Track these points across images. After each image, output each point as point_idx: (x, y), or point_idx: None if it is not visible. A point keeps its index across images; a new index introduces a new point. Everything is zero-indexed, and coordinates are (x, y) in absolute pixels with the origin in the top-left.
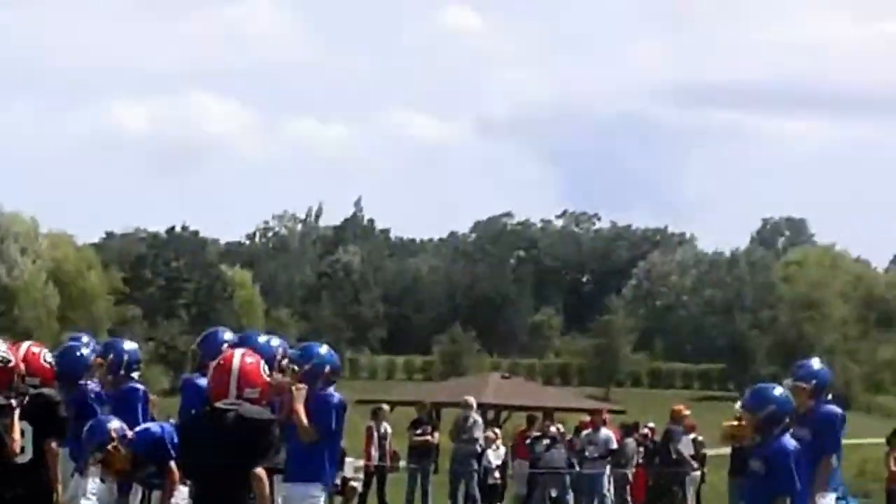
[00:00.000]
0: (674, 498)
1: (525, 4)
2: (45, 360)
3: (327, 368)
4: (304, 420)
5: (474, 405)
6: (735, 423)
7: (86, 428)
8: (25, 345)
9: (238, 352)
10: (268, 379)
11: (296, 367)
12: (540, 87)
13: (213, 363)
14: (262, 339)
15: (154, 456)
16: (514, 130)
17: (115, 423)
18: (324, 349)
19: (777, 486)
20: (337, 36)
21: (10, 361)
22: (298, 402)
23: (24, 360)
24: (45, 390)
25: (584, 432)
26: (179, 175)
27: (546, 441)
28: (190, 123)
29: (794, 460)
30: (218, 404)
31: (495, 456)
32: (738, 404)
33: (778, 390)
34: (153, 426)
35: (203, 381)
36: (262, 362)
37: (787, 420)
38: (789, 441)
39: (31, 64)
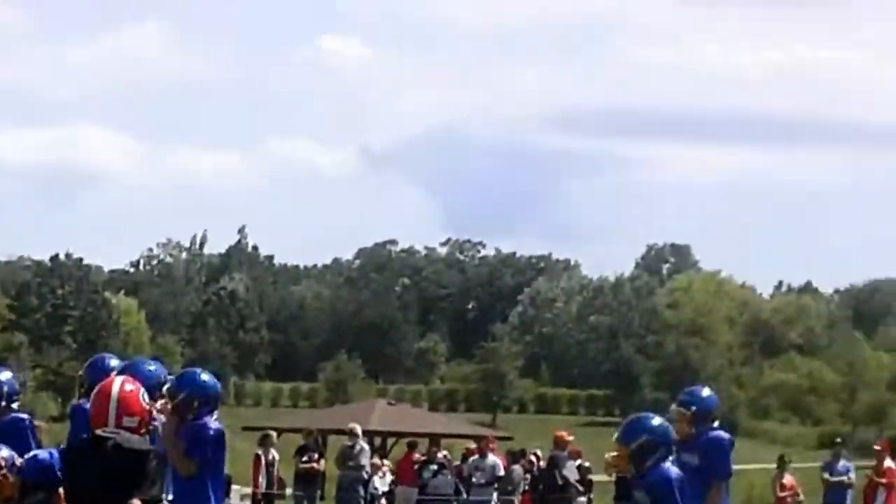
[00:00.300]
0: None
1: (409, 34)
2: None
3: (200, 399)
4: (177, 453)
5: (360, 432)
6: (615, 454)
7: None
8: None
9: (118, 379)
10: (148, 407)
11: (170, 396)
12: (424, 115)
13: (95, 390)
14: (150, 366)
15: (43, 483)
16: (398, 158)
17: (4, 452)
18: (204, 376)
19: None
20: (220, 64)
21: None
22: (168, 435)
23: None
24: None
25: (471, 459)
26: (63, 203)
27: (433, 467)
28: (73, 152)
29: (677, 487)
30: (98, 432)
31: (382, 483)
32: (615, 436)
33: (654, 420)
34: (42, 453)
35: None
36: (143, 390)
37: (662, 449)
38: (670, 469)
39: None
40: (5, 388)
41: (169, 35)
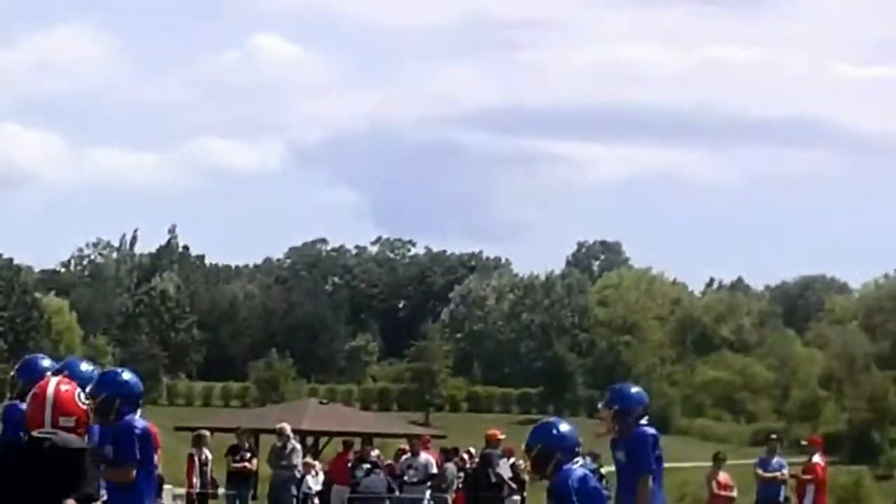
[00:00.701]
0: None
1: (335, 32)
2: None
3: (121, 398)
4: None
5: (290, 432)
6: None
7: None
8: None
9: (54, 379)
10: (85, 407)
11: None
12: (351, 113)
13: (31, 392)
14: (84, 366)
15: None
16: (326, 157)
17: None
18: (125, 375)
19: None
20: (146, 63)
21: None
22: None
23: None
24: None
25: (404, 457)
26: None
27: (366, 466)
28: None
29: (574, 489)
30: (34, 433)
31: (315, 482)
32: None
33: (557, 425)
34: None
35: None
36: (79, 390)
37: (560, 454)
38: (571, 471)
39: None
40: None
41: (95, 36)
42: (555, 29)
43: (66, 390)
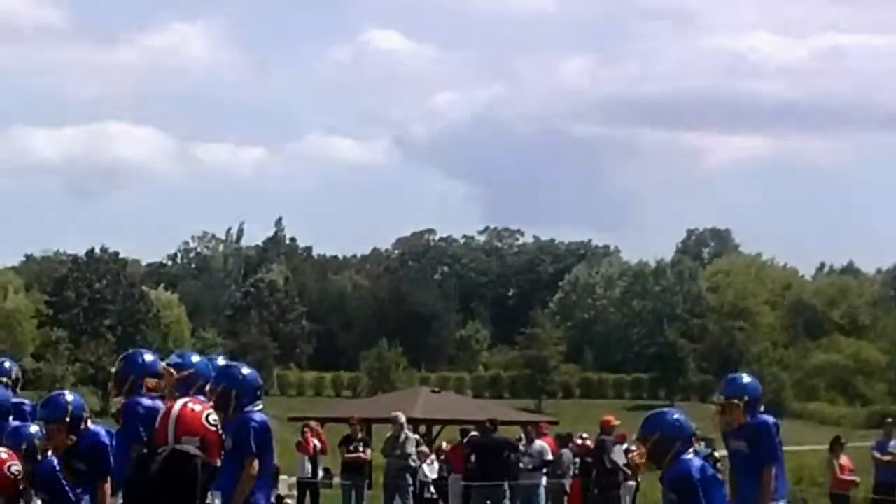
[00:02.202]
0: None
1: (446, 25)
2: None
3: (239, 391)
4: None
5: (404, 421)
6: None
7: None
8: None
9: (183, 400)
10: (213, 428)
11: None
12: (460, 104)
13: (162, 411)
14: (195, 357)
15: (92, 456)
16: (435, 149)
17: (34, 428)
18: (243, 369)
19: None
20: (257, 59)
21: None
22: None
23: None
24: None
25: (520, 444)
26: (97, 199)
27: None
28: (109, 149)
29: (698, 479)
30: (160, 450)
31: (431, 470)
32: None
33: (668, 415)
34: (102, 432)
35: (144, 401)
36: (209, 412)
37: (678, 443)
38: (691, 462)
39: None
40: (81, 414)
41: (205, 32)
42: (667, 17)
43: (193, 410)
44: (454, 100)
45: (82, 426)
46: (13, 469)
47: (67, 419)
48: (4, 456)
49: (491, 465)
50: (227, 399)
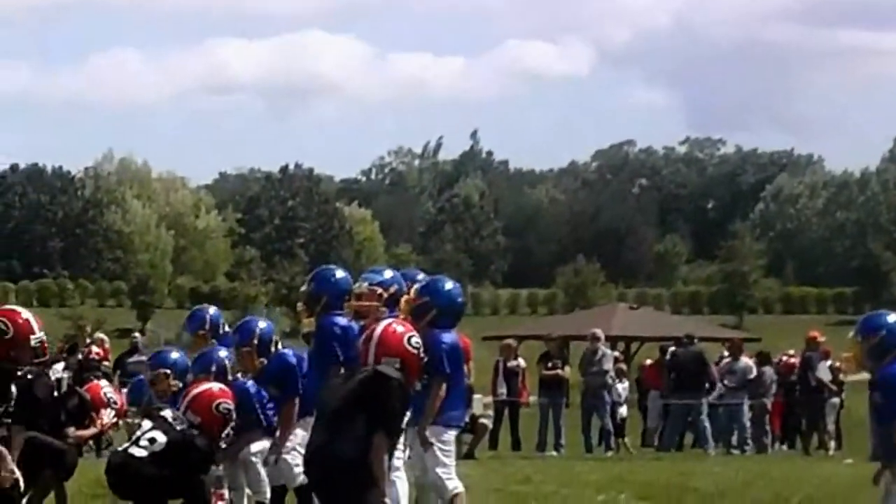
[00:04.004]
0: (814, 425)
1: None
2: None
3: (439, 308)
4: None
5: (602, 337)
6: (850, 353)
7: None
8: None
9: (387, 320)
10: (415, 351)
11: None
12: (661, 12)
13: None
14: (448, 285)
15: (280, 379)
16: (635, 57)
17: (175, 354)
18: (448, 285)
19: (891, 415)
20: None
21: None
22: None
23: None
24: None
25: (723, 361)
26: (292, 114)
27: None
28: (303, 62)
29: None
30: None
31: (626, 388)
32: (851, 333)
33: (891, 317)
34: (290, 354)
35: (339, 320)
36: (412, 334)
37: None
38: None
39: (140, 7)
40: (267, 337)
41: None
42: None
43: (395, 332)
44: (655, 5)
45: (272, 349)
46: (222, 407)
47: (256, 342)
48: (217, 390)
49: (689, 381)
50: (424, 313)
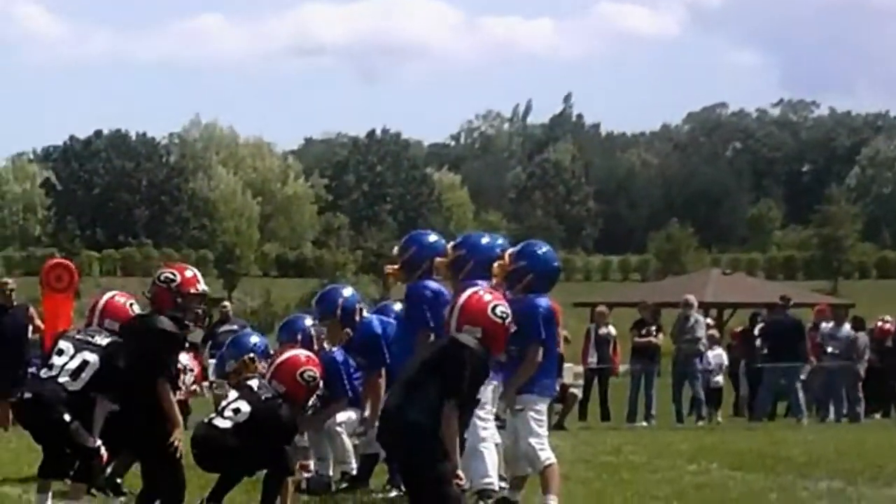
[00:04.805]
0: None
1: None
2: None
3: (535, 273)
4: None
5: (695, 304)
6: None
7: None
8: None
9: (473, 288)
10: (498, 320)
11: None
12: None
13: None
14: (485, 240)
15: (366, 347)
16: (728, 18)
17: (255, 338)
18: (544, 249)
19: None
20: None
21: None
22: None
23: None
24: None
25: (824, 327)
26: (380, 78)
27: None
28: (390, 25)
29: None
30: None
31: (718, 356)
32: None
33: None
34: (375, 321)
35: (430, 284)
36: (496, 303)
37: None
38: None
39: None
40: (352, 307)
41: None
42: None
43: (480, 300)
44: None
45: (356, 318)
46: (307, 375)
47: (339, 313)
48: (303, 358)
49: (784, 349)
50: (519, 279)
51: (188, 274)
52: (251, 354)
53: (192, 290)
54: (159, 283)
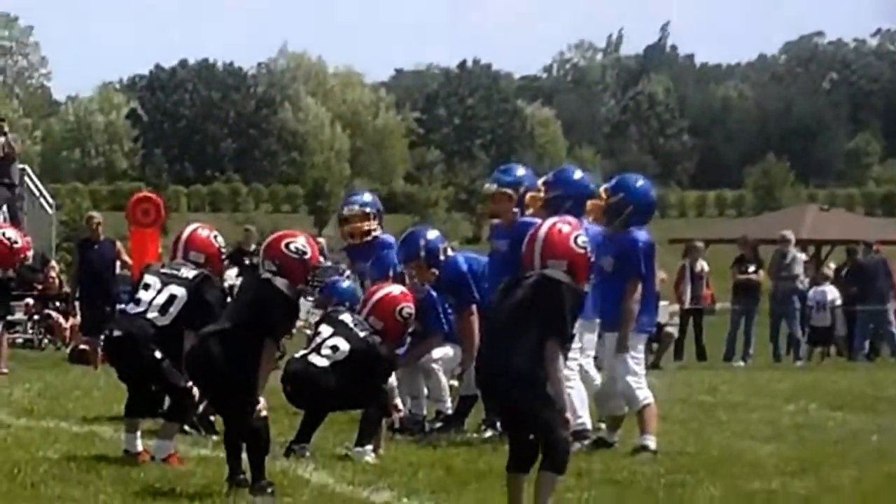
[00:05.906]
0: None
1: None
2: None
3: (634, 205)
4: None
5: (793, 240)
6: None
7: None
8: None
9: (551, 220)
10: (581, 251)
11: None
12: None
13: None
14: (577, 175)
15: (454, 283)
16: None
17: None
18: (641, 182)
19: None
20: None
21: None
22: None
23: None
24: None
25: None
26: (470, 8)
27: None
28: None
29: None
30: (527, 274)
31: (817, 293)
32: None
33: None
34: (461, 259)
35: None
36: (577, 233)
37: None
38: None
39: None
40: (435, 247)
41: None
42: None
43: (561, 231)
44: None
45: (441, 258)
46: (405, 311)
47: (422, 254)
48: (399, 293)
49: (872, 289)
50: (619, 211)
51: (314, 245)
52: (341, 300)
53: (320, 264)
54: (291, 254)
